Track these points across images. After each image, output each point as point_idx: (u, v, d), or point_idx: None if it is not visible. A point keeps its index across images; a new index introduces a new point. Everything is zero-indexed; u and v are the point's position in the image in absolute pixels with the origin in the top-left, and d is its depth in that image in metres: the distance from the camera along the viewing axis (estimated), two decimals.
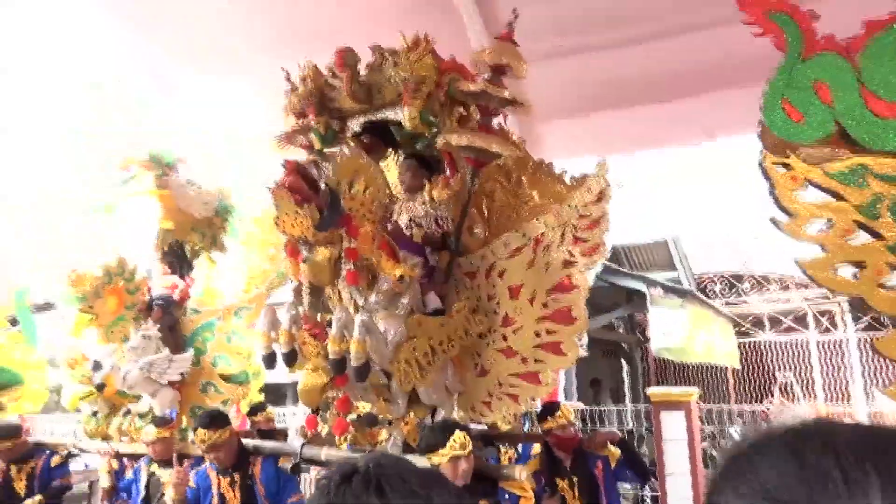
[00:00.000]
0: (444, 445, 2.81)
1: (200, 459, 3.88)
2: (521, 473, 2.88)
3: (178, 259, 5.54)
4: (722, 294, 13.74)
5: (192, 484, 3.77)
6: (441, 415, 3.23)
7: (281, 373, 4.12)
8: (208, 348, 5.14)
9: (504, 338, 3.20)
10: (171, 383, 4.85)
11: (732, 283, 13.79)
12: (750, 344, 13.44)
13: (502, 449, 4.36)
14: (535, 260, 3.12)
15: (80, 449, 5.11)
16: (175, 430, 4.27)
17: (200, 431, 3.56)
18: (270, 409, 5.93)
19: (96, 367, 4.76)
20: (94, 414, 5.02)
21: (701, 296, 12.25)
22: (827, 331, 12.87)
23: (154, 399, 4.81)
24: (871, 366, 12.05)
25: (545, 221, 3.10)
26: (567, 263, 3.05)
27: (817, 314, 13.01)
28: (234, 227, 5.62)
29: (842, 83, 2.62)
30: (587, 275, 3.16)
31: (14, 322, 6.76)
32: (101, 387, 4.70)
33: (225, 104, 5.26)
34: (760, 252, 14.08)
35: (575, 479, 3.72)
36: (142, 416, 4.85)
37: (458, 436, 2.82)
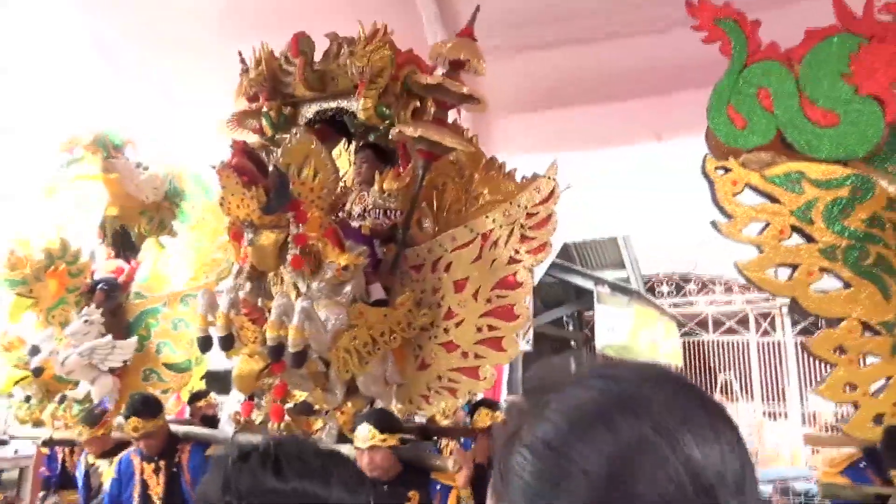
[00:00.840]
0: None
1: None
2: (453, 464, 2.86)
3: (123, 242, 5.35)
4: (669, 295, 14.03)
5: (113, 473, 3.62)
6: (378, 406, 3.20)
7: (225, 360, 4.03)
8: (152, 335, 4.97)
9: (446, 331, 3.18)
10: (111, 370, 4.67)
11: (680, 285, 14.09)
12: (694, 343, 13.76)
13: (444, 442, 4.35)
14: (482, 255, 3.11)
15: (11, 436, 4.90)
16: (110, 424, 4.09)
17: (133, 419, 3.38)
18: (213, 396, 5.78)
19: (34, 351, 4.58)
20: (27, 399, 4.81)
21: (647, 295, 12.48)
22: (766, 333, 13.27)
23: (93, 386, 4.62)
24: (807, 368, 12.46)
25: (494, 218, 3.09)
26: (513, 261, 3.05)
27: (758, 317, 13.39)
28: (186, 211, 5.45)
29: (783, 91, 2.68)
30: (535, 272, 3.16)
31: None
32: (38, 371, 4.51)
33: (178, 86, 5.10)
34: (708, 255, 14.40)
35: None
36: (79, 402, 4.67)
37: (364, 429, 2.79)
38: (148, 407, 3.47)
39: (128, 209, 5.20)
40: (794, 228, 2.70)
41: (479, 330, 3.09)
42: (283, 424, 2.93)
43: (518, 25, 4.10)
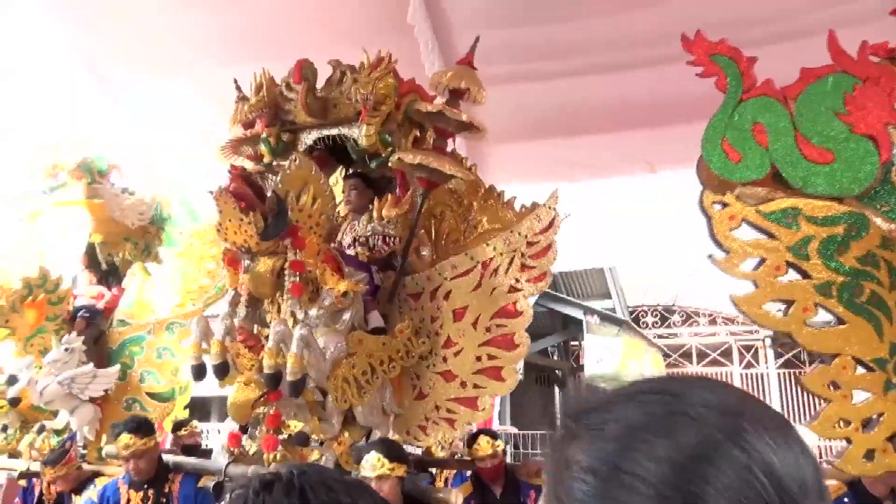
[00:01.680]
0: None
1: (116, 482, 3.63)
2: (457, 498, 2.82)
3: (107, 268, 5.27)
4: (654, 325, 14.12)
5: (94, 497, 3.52)
6: (376, 437, 3.15)
7: (206, 387, 3.94)
8: (136, 363, 4.86)
9: (445, 360, 3.15)
10: (92, 400, 4.56)
11: (664, 316, 14.19)
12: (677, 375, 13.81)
13: (435, 471, 4.29)
14: (482, 284, 3.10)
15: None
16: (73, 462, 4.00)
17: (125, 436, 3.32)
18: (195, 423, 5.67)
19: (11, 380, 4.44)
20: (4, 429, 4.67)
21: (635, 326, 12.54)
22: (749, 365, 13.37)
23: (73, 416, 4.50)
24: (790, 400, 12.55)
25: (494, 246, 3.09)
26: (513, 289, 3.04)
27: (742, 349, 13.51)
28: (171, 237, 5.39)
29: (778, 127, 2.73)
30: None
31: None
32: (14, 401, 4.36)
33: (167, 109, 5.08)
34: (692, 286, 14.55)
35: None
36: (58, 432, 4.55)
37: (372, 457, 2.78)
38: (141, 427, 3.42)
39: (112, 235, 5.14)
40: (790, 264, 2.74)
41: (479, 359, 3.07)
42: (277, 455, 2.87)
43: (514, 56, 4.16)
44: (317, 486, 0.95)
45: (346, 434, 3.06)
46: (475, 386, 3.07)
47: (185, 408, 5.24)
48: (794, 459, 0.55)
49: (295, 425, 3.10)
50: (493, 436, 3.80)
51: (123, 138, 5.28)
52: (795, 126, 2.71)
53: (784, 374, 12.84)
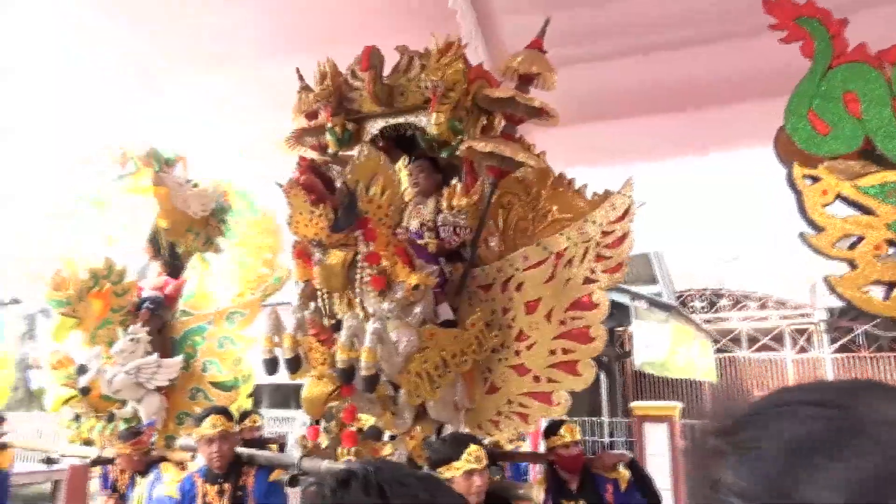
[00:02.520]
0: (458, 458, 2.68)
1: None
2: (538, 494, 2.73)
3: (170, 258, 5.32)
4: (702, 310, 13.80)
5: (175, 494, 3.56)
6: (448, 431, 3.08)
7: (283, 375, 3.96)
8: (198, 353, 4.91)
9: (517, 353, 3.05)
10: (158, 389, 4.62)
11: (713, 301, 13.85)
12: (727, 360, 13.48)
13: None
14: (555, 275, 2.98)
15: (62, 454, 4.86)
16: (145, 444, 4.08)
17: (213, 417, 3.43)
18: (256, 416, 5.69)
19: (82, 370, 4.54)
20: (77, 418, 4.77)
21: (683, 311, 12.26)
22: (803, 349, 12.97)
23: (140, 405, 4.58)
24: None
25: (568, 236, 2.97)
26: (588, 281, 2.92)
27: (794, 333, 13.10)
28: (230, 227, 5.41)
29: (873, 95, 2.51)
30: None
31: None
32: (85, 391, 4.48)
33: (217, 105, 5.08)
34: (737, 271, 14.18)
35: (582, 502, 3.56)
36: (126, 420, 4.62)
37: (474, 448, 2.70)
38: (224, 411, 3.55)
39: (176, 224, 5.17)
40: (891, 243, 2.53)
41: (553, 353, 2.96)
42: (353, 450, 2.82)
43: (563, 40, 4.03)
44: (394, 482, 0.92)
45: (419, 428, 2.99)
46: (549, 380, 2.97)
47: (249, 396, 5.27)
48: None
49: (366, 420, 3.04)
50: (557, 429, 3.68)
51: (178, 134, 5.32)
52: (893, 94, 2.50)
53: (839, 358, 12.41)
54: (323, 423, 3.02)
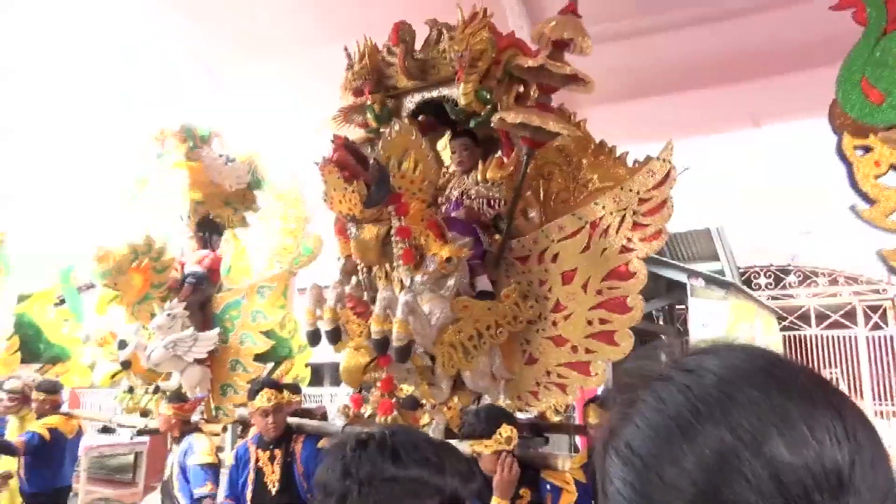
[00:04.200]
0: (489, 436, 2.81)
1: None
2: (564, 463, 2.88)
3: (210, 232, 5.62)
4: (767, 287, 13.57)
5: (230, 460, 3.89)
6: (486, 401, 3.25)
7: (319, 354, 4.21)
8: (235, 327, 5.24)
9: (554, 324, 3.19)
10: (199, 361, 4.95)
11: (779, 277, 13.60)
12: (795, 338, 13.26)
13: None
14: (591, 245, 3.10)
15: (119, 424, 5.28)
16: (188, 412, 4.41)
17: (266, 391, 3.73)
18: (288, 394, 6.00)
19: (122, 345, 4.92)
20: (130, 390, 5.17)
21: (745, 288, 12.10)
22: (877, 327, 12.65)
23: (182, 377, 4.93)
24: None
25: (604, 205, 3.07)
26: (625, 250, 3.02)
27: (867, 309, 12.79)
28: (259, 200, 5.68)
29: None
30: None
31: (62, 301, 7.08)
32: (126, 364, 4.88)
33: (267, 93, 5.30)
34: (809, 245, 13.84)
35: None
36: (173, 392, 4.97)
37: (506, 429, 2.81)
38: (276, 384, 3.90)
39: (213, 196, 5.46)
40: None
41: (590, 323, 3.09)
42: (390, 418, 3.03)
43: (610, 15, 4.08)
44: (407, 445, 1.08)
45: (456, 398, 3.18)
46: (587, 350, 3.10)
47: (307, 366, 5.54)
48: (816, 450, 0.52)
49: (407, 389, 3.24)
50: (603, 404, 3.77)
51: (229, 121, 5.60)
52: None
53: None
54: (364, 393, 3.23)
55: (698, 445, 0.54)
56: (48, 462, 5.04)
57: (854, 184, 2.60)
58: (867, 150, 2.59)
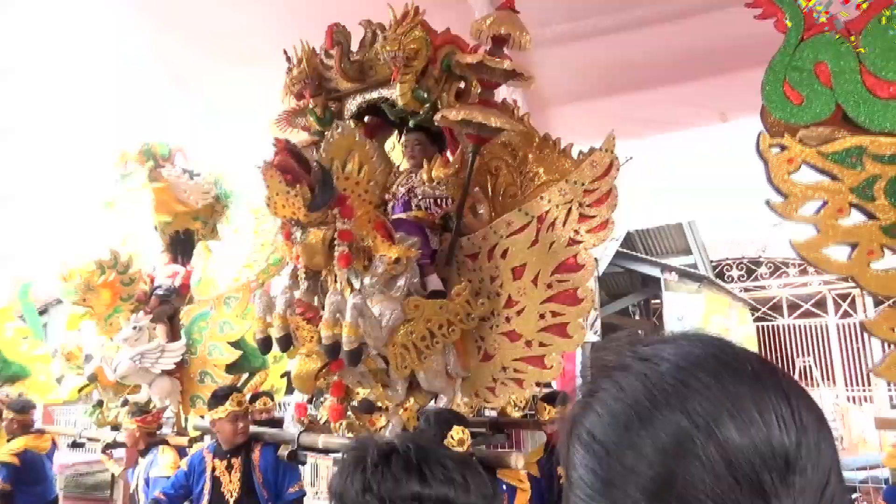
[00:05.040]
0: (441, 440, 2.72)
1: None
2: (518, 461, 2.78)
3: (183, 248, 5.52)
4: (740, 279, 13.59)
5: (184, 465, 3.77)
6: (442, 402, 3.16)
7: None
8: (204, 338, 5.12)
9: (507, 320, 3.11)
10: (168, 373, 4.83)
11: (750, 269, 13.62)
12: (768, 329, 13.28)
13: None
14: (539, 239, 3.02)
15: (88, 438, 5.16)
16: (151, 424, 4.29)
17: (235, 395, 3.69)
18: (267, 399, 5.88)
19: (88, 359, 4.81)
20: (99, 404, 5.05)
21: (718, 281, 12.10)
22: (846, 314, 12.69)
23: (150, 388, 4.80)
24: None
25: (549, 198, 2.99)
26: (572, 242, 2.95)
27: (837, 298, 12.83)
28: (232, 214, 5.56)
29: (842, 65, 2.61)
30: (599, 263, 3.05)
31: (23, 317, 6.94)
32: (92, 378, 4.78)
33: (230, 97, 5.19)
34: (781, 237, 13.91)
35: None
36: (141, 405, 4.86)
37: (456, 431, 2.75)
38: (239, 391, 3.89)
39: (181, 215, 5.34)
40: (854, 206, 2.62)
41: (542, 317, 3.00)
42: (344, 423, 2.92)
43: (572, 14, 4.04)
44: (432, 462, 1.02)
45: (412, 400, 3.08)
46: (541, 344, 3.01)
47: (282, 376, 5.44)
48: (764, 432, 0.53)
49: (362, 393, 3.14)
50: (552, 401, 3.69)
51: (198, 130, 5.48)
52: (861, 61, 2.58)
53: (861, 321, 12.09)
54: (314, 400, 3.13)
55: (655, 430, 0.55)
56: (32, 482, 5.02)
57: (770, 179, 2.67)
58: (783, 148, 2.66)
